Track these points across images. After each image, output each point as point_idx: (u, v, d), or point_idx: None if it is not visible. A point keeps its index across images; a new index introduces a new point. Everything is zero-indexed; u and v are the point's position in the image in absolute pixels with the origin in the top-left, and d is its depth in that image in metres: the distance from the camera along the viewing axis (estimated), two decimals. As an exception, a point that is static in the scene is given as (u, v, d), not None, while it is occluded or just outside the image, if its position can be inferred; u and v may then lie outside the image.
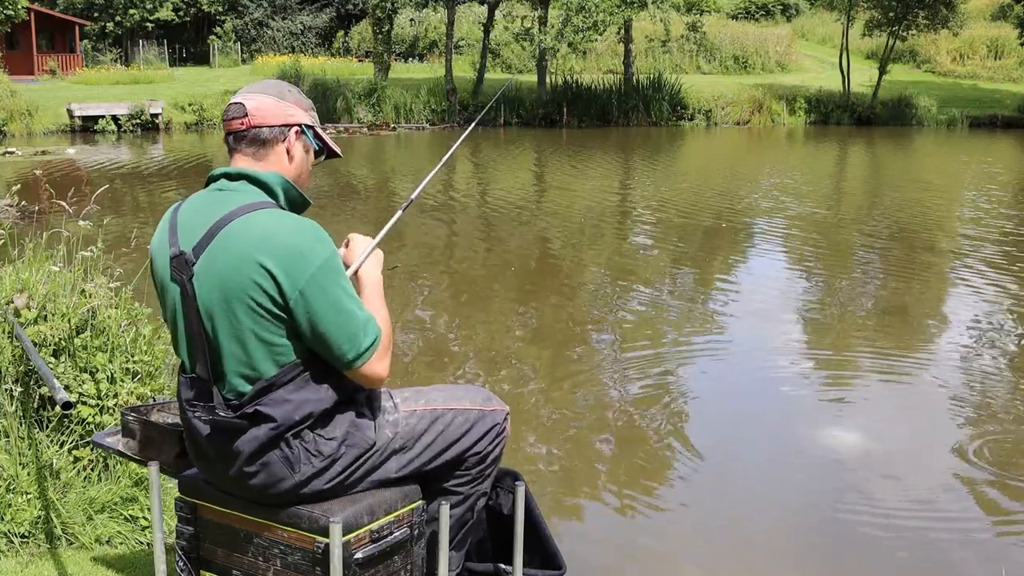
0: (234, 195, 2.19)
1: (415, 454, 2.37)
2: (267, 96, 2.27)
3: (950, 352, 6.90)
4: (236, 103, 2.26)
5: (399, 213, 2.64)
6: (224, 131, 2.30)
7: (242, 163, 2.26)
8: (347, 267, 2.33)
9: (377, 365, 2.18)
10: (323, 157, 2.43)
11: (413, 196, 2.72)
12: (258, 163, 2.26)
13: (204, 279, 2.14)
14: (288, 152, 2.28)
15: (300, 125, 2.30)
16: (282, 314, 2.11)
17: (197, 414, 2.19)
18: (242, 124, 2.24)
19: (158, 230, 2.29)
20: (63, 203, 4.56)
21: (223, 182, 2.23)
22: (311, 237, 2.12)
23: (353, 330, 2.13)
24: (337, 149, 2.44)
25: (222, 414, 2.15)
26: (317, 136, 2.36)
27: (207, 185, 2.27)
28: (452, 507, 2.41)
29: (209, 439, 2.23)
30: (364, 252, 2.38)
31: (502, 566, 2.72)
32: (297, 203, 2.29)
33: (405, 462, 2.35)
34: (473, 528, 2.59)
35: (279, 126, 2.26)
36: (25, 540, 3.30)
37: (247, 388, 2.15)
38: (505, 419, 2.52)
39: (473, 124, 3.38)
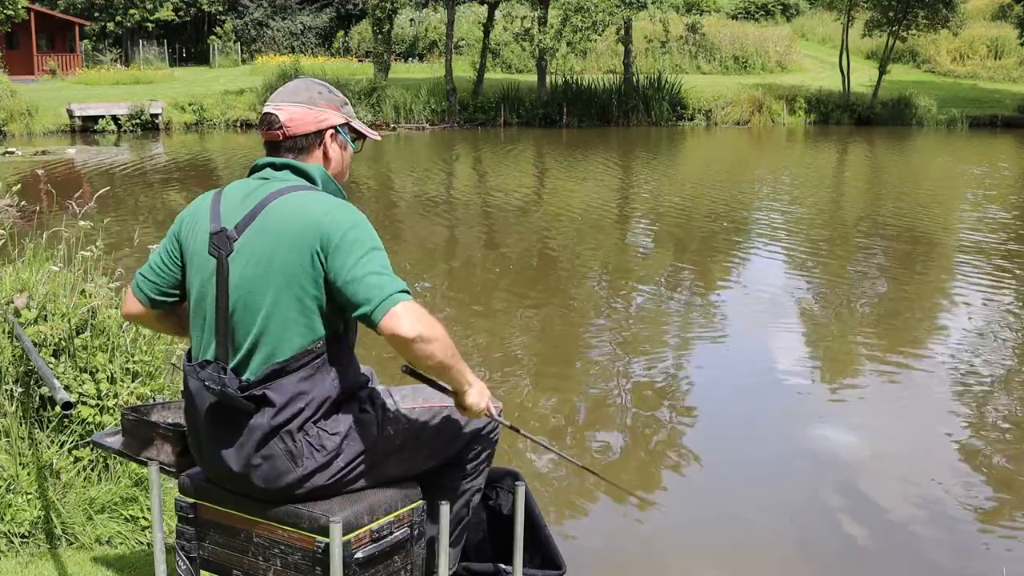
0: (277, 182, 2.30)
1: (414, 451, 2.39)
2: (299, 106, 2.34)
3: (950, 351, 6.90)
4: (271, 114, 2.34)
5: None
6: (263, 139, 2.38)
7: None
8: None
9: (402, 316, 2.09)
10: (361, 143, 2.50)
11: None
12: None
13: (244, 254, 2.22)
14: (325, 154, 2.37)
15: (333, 127, 2.38)
16: (318, 287, 2.17)
17: (208, 384, 2.22)
18: (279, 135, 2.33)
19: (192, 212, 2.36)
20: (64, 203, 4.56)
21: (268, 171, 2.34)
22: (347, 209, 2.23)
23: (375, 281, 2.12)
24: (373, 135, 2.51)
25: (232, 391, 2.18)
26: (352, 129, 2.43)
27: (250, 174, 2.37)
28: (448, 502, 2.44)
29: (214, 425, 2.25)
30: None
31: (502, 566, 2.72)
32: (334, 195, 2.35)
33: (404, 459, 2.38)
34: (470, 525, 2.61)
35: (314, 133, 2.35)
36: (25, 540, 3.30)
37: (259, 370, 2.20)
38: (499, 415, 2.54)
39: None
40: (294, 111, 2.33)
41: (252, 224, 2.23)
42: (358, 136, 2.47)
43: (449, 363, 2.21)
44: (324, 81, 2.47)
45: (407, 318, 2.10)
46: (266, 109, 2.37)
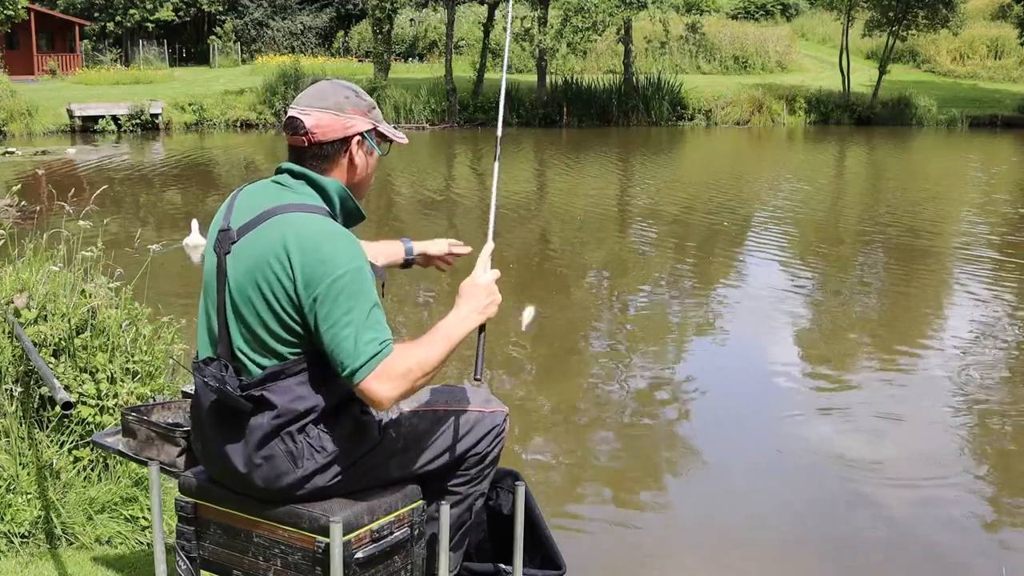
0: (290, 192, 2.25)
1: (416, 454, 2.38)
2: (326, 112, 2.26)
3: (949, 352, 6.90)
4: (296, 118, 2.26)
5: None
6: (287, 143, 2.31)
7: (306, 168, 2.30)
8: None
9: (376, 385, 2.10)
10: (388, 147, 2.42)
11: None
12: (321, 173, 2.29)
13: (238, 259, 2.21)
14: (351, 161, 2.31)
15: (360, 133, 2.30)
16: (295, 314, 2.15)
17: (207, 381, 2.21)
18: (304, 141, 2.26)
19: (223, 205, 2.36)
20: (64, 203, 4.56)
21: (285, 177, 2.29)
22: (339, 248, 2.14)
23: (351, 346, 2.10)
24: (401, 139, 2.43)
25: (231, 389, 2.18)
26: (378, 133, 2.36)
27: (276, 173, 2.32)
28: (451, 507, 2.43)
29: (215, 423, 2.25)
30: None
31: (502, 566, 2.72)
32: (351, 213, 2.32)
33: (406, 462, 2.37)
34: (472, 529, 2.60)
35: (340, 140, 2.28)
36: (25, 540, 3.30)
37: (258, 372, 2.19)
38: (504, 420, 2.53)
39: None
40: (321, 118, 2.25)
41: (251, 231, 2.20)
42: (384, 139, 2.39)
43: (437, 367, 2.20)
44: (352, 84, 2.38)
45: (379, 391, 2.10)
46: (291, 112, 2.28)
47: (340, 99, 2.29)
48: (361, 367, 2.09)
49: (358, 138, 2.30)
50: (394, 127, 2.42)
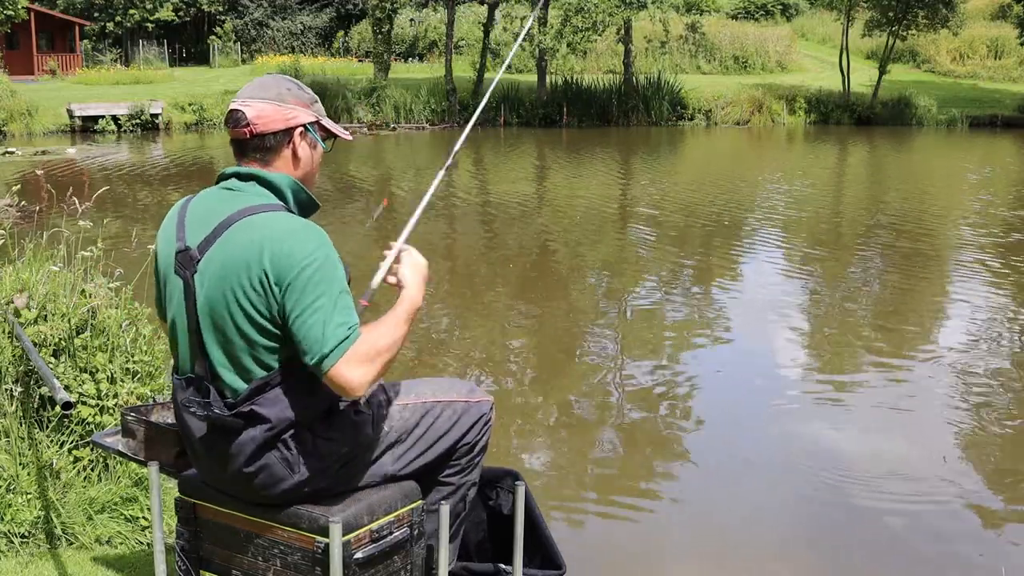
0: (242, 196, 2.21)
1: (408, 447, 2.40)
2: (267, 102, 2.24)
3: (949, 353, 6.90)
4: (237, 110, 2.24)
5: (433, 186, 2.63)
6: (229, 136, 2.29)
7: (251, 165, 2.27)
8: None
9: (346, 370, 2.06)
10: (332, 143, 2.40)
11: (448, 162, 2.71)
12: (266, 167, 2.26)
13: (206, 276, 2.16)
14: (294, 154, 2.28)
15: (303, 125, 2.28)
16: (275, 316, 2.11)
17: (192, 410, 2.19)
18: (245, 133, 2.23)
19: (165, 223, 2.31)
20: (63, 204, 4.56)
21: (233, 181, 2.25)
22: (305, 239, 2.11)
23: (319, 333, 2.06)
24: (345, 135, 2.40)
25: (218, 411, 2.15)
26: (322, 128, 2.33)
27: (217, 182, 2.29)
28: (444, 498, 2.45)
29: (205, 440, 2.23)
30: (389, 261, 2.35)
31: (502, 566, 2.72)
32: (305, 205, 2.29)
33: (400, 455, 2.38)
34: (468, 522, 2.62)
35: (282, 131, 2.25)
36: (25, 540, 3.30)
37: (243, 386, 2.16)
38: (490, 409, 2.56)
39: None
40: (262, 108, 2.22)
41: (213, 246, 2.15)
42: (328, 135, 2.36)
43: (401, 345, 2.18)
44: (295, 78, 2.35)
45: (350, 376, 2.06)
46: (232, 105, 2.26)
47: (282, 90, 2.27)
48: (330, 353, 2.05)
49: (300, 130, 2.27)
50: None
